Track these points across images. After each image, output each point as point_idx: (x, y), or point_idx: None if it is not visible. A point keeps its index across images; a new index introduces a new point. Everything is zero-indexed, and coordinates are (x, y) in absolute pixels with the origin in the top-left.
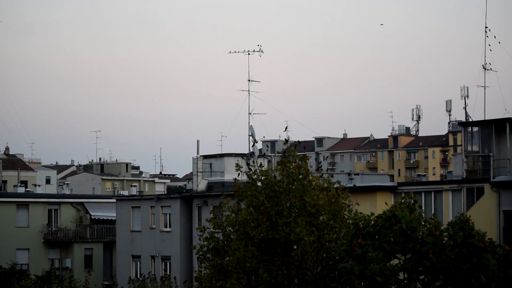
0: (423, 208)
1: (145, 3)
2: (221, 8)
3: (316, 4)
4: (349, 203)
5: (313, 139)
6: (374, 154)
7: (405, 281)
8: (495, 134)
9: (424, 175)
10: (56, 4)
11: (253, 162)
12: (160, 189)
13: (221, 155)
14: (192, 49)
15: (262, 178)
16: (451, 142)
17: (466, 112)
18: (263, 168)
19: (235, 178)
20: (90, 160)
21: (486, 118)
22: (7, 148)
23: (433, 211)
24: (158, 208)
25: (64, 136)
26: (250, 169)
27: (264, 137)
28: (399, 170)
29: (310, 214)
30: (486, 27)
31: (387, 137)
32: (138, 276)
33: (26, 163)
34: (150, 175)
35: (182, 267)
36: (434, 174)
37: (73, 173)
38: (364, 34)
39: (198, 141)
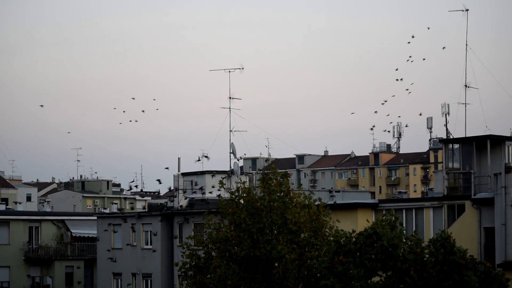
0: (404, 225)
1: (123, 20)
2: (201, 25)
3: (296, 20)
4: (330, 220)
5: (294, 156)
6: (355, 171)
7: None
8: (476, 151)
9: (405, 192)
10: (36, 24)
11: (236, 179)
12: (141, 206)
13: (202, 172)
14: (172, 66)
15: (244, 195)
16: (432, 159)
17: (447, 129)
18: (245, 185)
19: (219, 195)
20: (71, 178)
21: (467, 135)
22: None
23: (414, 228)
24: (139, 226)
25: (45, 153)
26: (232, 187)
27: (245, 154)
28: (380, 187)
29: (291, 231)
30: (466, 45)
31: (368, 154)
32: None
33: (7, 180)
34: (131, 192)
35: (164, 284)
36: (415, 191)
37: (54, 191)
38: (345, 50)
39: (179, 158)
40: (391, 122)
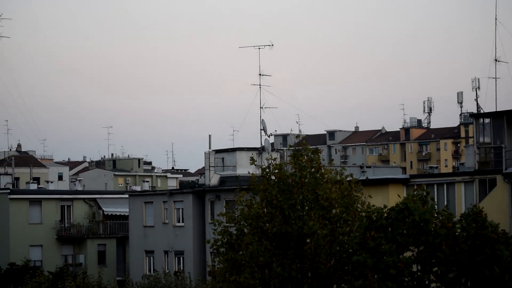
0: (435, 200)
1: (150, 0)
2: (231, 3)
3: (321, 2)
4: (361, 196)
5: (325, 132)
6: (386, 147)
7: (419, 273)
8: (507, 126)
9: (436, 167)
10: (68, 1)
11: (267, 156)
12: (172, 184)
13: (233, 150)
14: (202, 44)
15: (275, 171)
16: (462, 134)
17: (477, 103)
18: (275, 162)
19: (250, 172)
20: (102, 156)
21: (497, 110)
22: (19, 145)
23: (445, 203)
24: (171, 203)
25: (76, 132)
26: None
27: (275, 131)
28: (411, 162)
29: (322, 207)
30: (496, 19)
31: (399, 129)
32: (152, 272)
33: (38, 159)
34: (163, 170)
35: (196, 261)
36: (446, 166)
37: (85, 169)
38: (376, 27)
39: (210, 136)
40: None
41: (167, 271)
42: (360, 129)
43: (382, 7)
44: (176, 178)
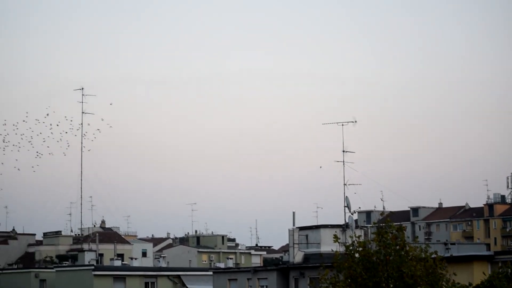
0: None
1: (239, 64)
2: (315, 78)
3: (405, 80)
4: (446, 273)
5: (409, 209)
6: (469, 223)
7: None
8: None
9: None
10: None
11: (351, 233)
12: (256, 261)
13: (317, 227)
14: (286, 120)
15: (359, 249)
16: None
17: None
18: (360, 239)
19: (334, 249)
20: (186, 233)
21: None
22: (103, 222)
23: None
24: (255, 281)
25: (160, 209)
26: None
27: (359, 208)
28: (495, 238)
29: (407, 285)
30: None
31: (483, 205)
32: None
33: (122, 236)
34: (246, 247)
35: None
36: None
37: (169, 246)
38: (459, 105)
39: (294, 213)
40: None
41: None
42: (443, 205)
43: (465, 85)
44: (260, 255)
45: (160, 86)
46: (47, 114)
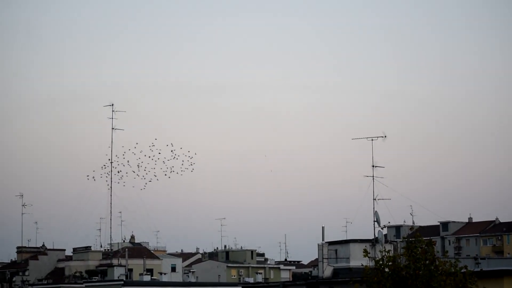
0: None
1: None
2: (345, 92)
3: (435, 95)
4: None
5: (438, 223)
6: (500, 238)
7: None
8: None
9: None
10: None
11: (381, 247)
12: (285, 276)
13: (346, 241)
14: (315, 135)
15: (389, 263)
16: None
17: None
18: (389, 254)
19: (364, 264)
20: (215, 248)
21: None
22: (132, 237)
23: None
24: None
25: (189, 224)
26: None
27: (389, 222)
28: None
29: None
30: None
31: None
32: None
33: (152, 251)
34: (275, 262)
35: None
36: None
37: (198, 261)
38: (486, 117)
39: (323, 228)
40: None
41: None
42: (473, 220)
43: (496, 106)
44: (289, 269)
45: (185, 100)
46: None
